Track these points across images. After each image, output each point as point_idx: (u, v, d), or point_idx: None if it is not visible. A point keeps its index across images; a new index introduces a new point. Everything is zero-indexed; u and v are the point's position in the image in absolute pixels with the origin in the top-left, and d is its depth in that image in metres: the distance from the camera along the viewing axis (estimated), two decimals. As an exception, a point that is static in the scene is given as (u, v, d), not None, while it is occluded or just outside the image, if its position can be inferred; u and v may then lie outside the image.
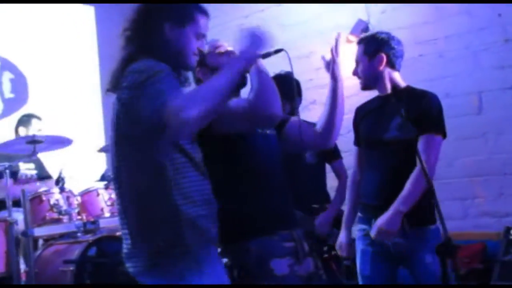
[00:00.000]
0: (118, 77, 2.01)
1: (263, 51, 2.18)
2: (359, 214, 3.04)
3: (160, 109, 1.80)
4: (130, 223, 2.02)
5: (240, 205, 2.25)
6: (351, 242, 3.08)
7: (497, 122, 4.50)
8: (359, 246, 2.99)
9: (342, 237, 3.12)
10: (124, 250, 2.06)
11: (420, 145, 2.74)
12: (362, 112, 3.09)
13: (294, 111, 3.30)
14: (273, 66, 2.48)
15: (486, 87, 4.55)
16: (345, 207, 3.20)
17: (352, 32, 5.17)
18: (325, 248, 3.51)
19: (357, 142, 3.12)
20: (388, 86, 2.93)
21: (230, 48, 2.38)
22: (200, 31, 2.15)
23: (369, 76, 2.93)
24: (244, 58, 2.03)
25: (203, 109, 1.81)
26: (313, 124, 2.56)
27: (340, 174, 3.81)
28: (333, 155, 3.81)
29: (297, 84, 3.67)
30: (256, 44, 2.06)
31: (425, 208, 2.77)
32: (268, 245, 2.24)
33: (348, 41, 5.13)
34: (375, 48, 2.91)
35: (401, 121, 2.78)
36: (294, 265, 2.27)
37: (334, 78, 2.49)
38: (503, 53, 4.48)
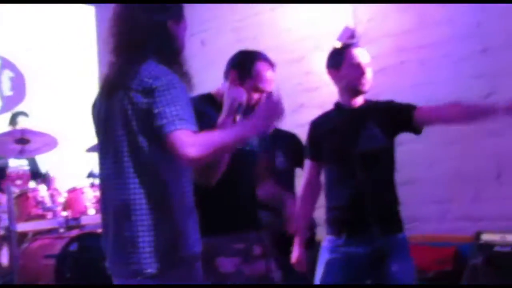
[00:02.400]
0: (126, 77, 2.00)
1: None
2: (329, 226, 3.00)
3: (171, 132, 1.89)
4: None
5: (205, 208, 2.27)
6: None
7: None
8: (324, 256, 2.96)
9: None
10: None
11: None
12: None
13: None
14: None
15: (464, 95, 4.63)
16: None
17: (339, 38, 5.28)
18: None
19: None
20: None
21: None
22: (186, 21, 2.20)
23: None
24: (257, 131, 2.12)
25: (205, 156, 1.93)
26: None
27: None
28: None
29: None
30: (271, 119, 2.14)
31: (393, 215, 2.91)
32: (217, 244, 2.41)
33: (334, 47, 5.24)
34: None
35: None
36: (241, 264, 2.45)
37: None
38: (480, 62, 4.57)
